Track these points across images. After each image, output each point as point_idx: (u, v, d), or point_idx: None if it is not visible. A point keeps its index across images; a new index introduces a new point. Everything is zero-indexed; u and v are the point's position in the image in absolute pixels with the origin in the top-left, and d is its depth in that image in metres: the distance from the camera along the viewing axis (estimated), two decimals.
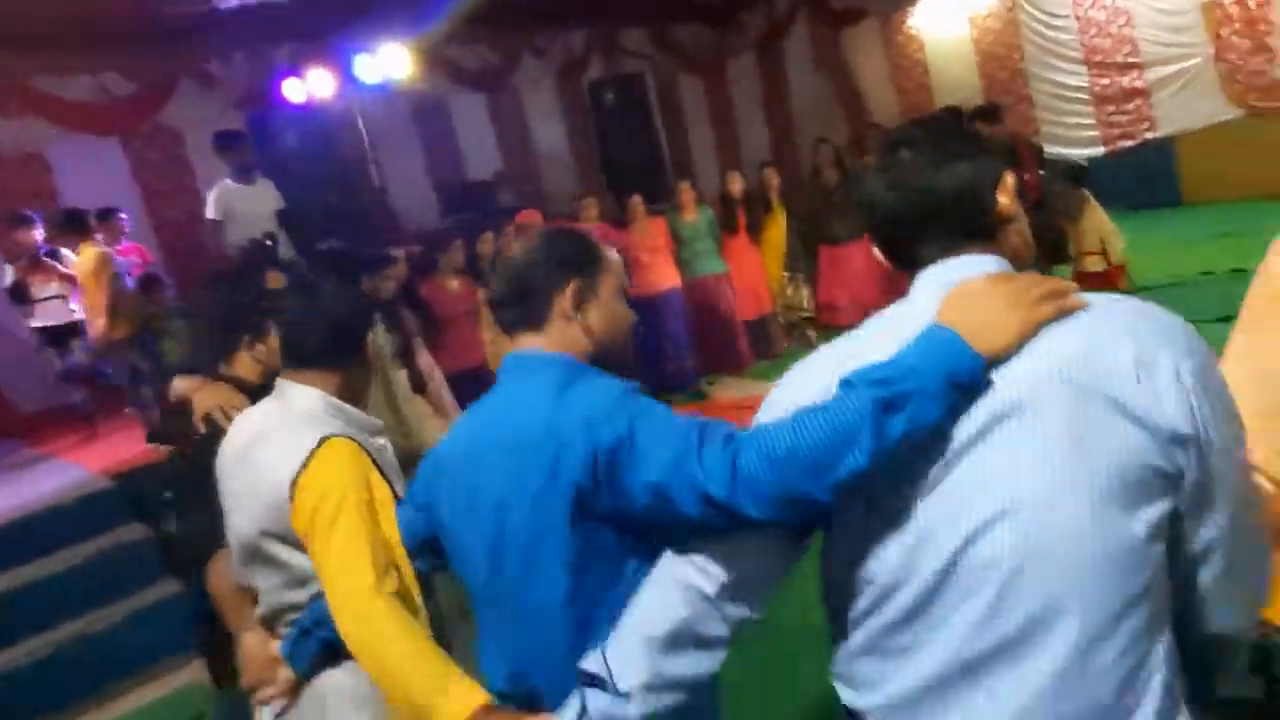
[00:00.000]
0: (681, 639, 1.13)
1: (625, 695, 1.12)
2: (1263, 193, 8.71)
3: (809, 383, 1.10)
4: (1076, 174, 5.89)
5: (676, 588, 1.14)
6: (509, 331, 1.46)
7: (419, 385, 4.72)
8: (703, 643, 1.14)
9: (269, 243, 5.38)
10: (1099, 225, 5.53)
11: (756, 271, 7.21)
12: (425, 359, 5.00)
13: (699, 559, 1.13)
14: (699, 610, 1.12)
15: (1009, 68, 9.88)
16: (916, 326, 1.03)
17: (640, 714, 1.13)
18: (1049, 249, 5.29)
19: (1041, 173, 6.02)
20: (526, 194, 9.32)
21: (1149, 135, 9.07)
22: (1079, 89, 9.30)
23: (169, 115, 7.38)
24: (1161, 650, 1.00)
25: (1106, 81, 9.16)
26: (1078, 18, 9.23)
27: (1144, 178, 8.92)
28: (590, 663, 1.17)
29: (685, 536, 1.15)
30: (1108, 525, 0.95)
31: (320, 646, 1.62)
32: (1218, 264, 6.69)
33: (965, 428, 0.99)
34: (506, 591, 1.37)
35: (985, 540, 0.98)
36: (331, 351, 1.71)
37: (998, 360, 0.99)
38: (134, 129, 7.27)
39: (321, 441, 1.59)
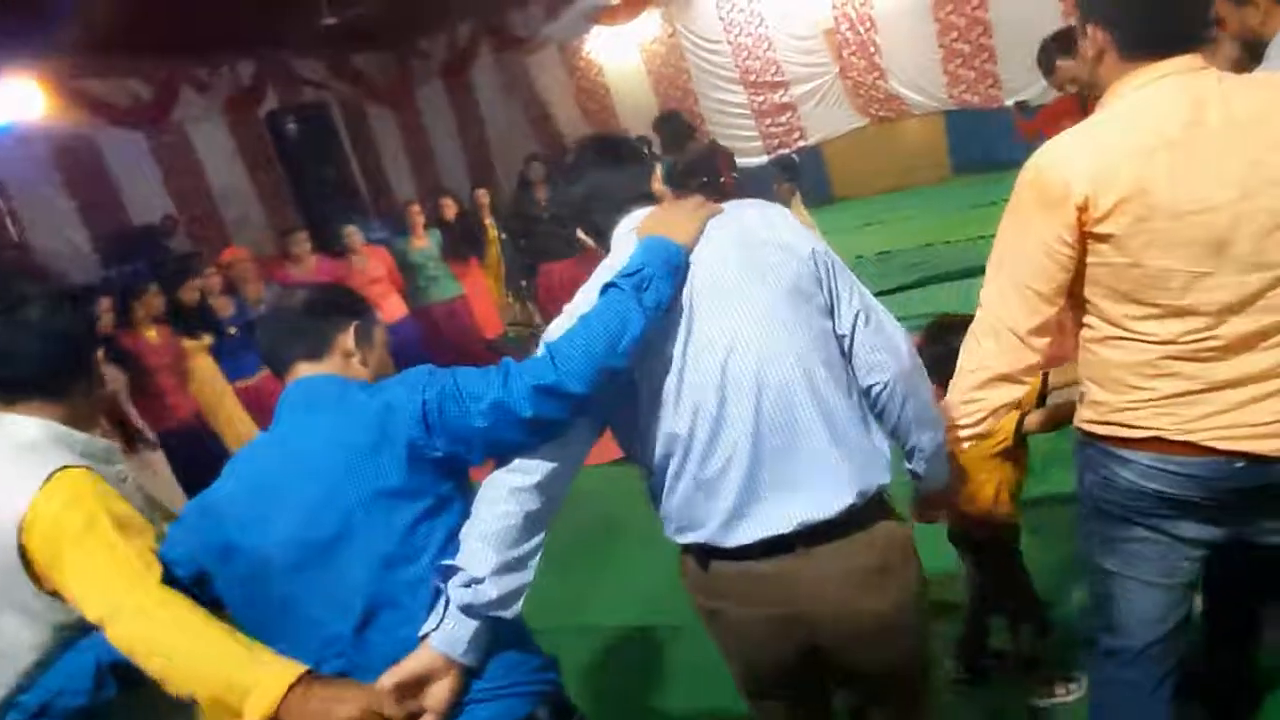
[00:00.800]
0: (514, 527, 1.32)
1: (480, 580, 1.28)
2: (896, 185, 10.36)
3: (582, 301, 1.45)
4: (787, 166, 6.62)
5: (500, 490, 1.34)
6: (281, 368, 1.47)
7: (131, 444, 4.21)
8: (532, 522, 1.35)
9: None
10: (802, 218, 6.22)
11: (486, 292, 7.31)
12: (134, 416, 4.49)
13: (515, 465, 1.36)
14: (522, 499, 1.34)
15: (679, 87, 10.79)
16: (628, 251, 1.43)
17: (498, 593, 1.29)
18: None
19: (735, 175, 6.58)
20: (207, 236, 8.54)
21: (801, 143, 10.36)
22: (740, 105, 10.38)
23: None
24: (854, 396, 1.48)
25: (761, 98, 10.33)
26: (730, 43, 10.32)
27: (802, 181, 10.17)
28: (443, 568, 1.31)
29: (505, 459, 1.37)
30: (799, 314, 1.41)
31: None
32: (867, 249, 7.81)
33: (687, 295, 1.41)
34: (332, 581, 1.33)
35: (732, 363, 1.39)
36: (48, 379, 1.48)
37: (690, 247, 1.43)
38: None
39: (51, 475, 1.36)
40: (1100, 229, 1.40)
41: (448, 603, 1.30)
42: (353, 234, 6.33)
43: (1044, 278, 1.48)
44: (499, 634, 1.35)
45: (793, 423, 1.40)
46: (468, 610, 1.29)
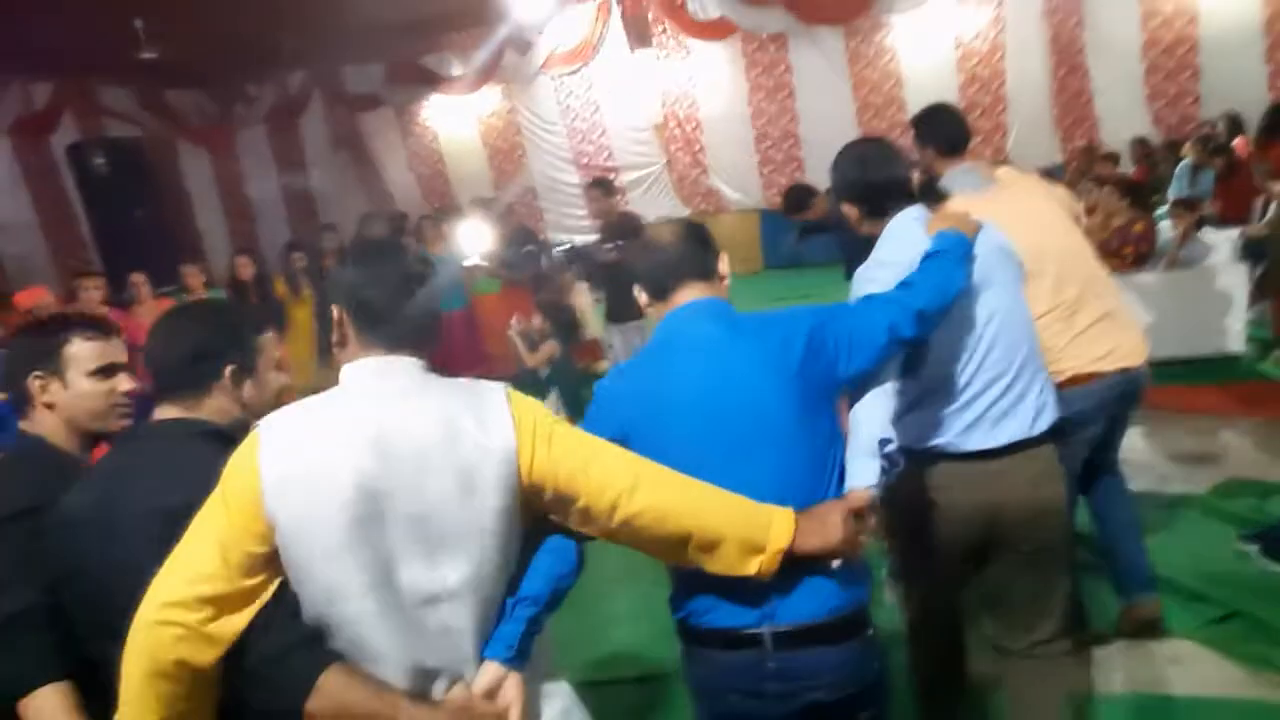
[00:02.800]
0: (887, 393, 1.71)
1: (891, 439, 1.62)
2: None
3: (904, 249, 1.90)
4: (573, 259, 6.77)
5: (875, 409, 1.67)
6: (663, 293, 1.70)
7: None
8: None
9: None
10: (581, 305, 6.43)
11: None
12: None
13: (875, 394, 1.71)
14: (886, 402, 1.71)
15: (514, 162, 11.07)
16: (916, 239, 1.92)
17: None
18: (563, 328, 5.99)
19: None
20: None
21: None
22: (572, 184, 10.79)
23: None
24: None
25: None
26: (566, 126, 10.77)
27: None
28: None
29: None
30: (1023, 299, 2.11)
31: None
32: None
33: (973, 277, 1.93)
34: None
35: (993, 325, 1.97)
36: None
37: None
38: None
39: (508, 395, 1.40)
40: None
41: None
42: (141, 283, 5.81)
43: None
44: None
45: (1018, 371, 2.00)
46: (888, 471, 1.61)
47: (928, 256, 1.82)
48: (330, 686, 1.19)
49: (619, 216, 6.11)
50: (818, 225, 5.89)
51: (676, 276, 1.67)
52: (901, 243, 1.92)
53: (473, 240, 6.32)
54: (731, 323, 1.63)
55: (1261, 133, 6.58)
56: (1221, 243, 5.50)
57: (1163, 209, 6.06)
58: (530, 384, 6.21)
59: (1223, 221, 6.06)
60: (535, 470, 1.28)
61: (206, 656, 1.18)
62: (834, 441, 1.59)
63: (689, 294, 1.66)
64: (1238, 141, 7.18)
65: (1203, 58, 8.64)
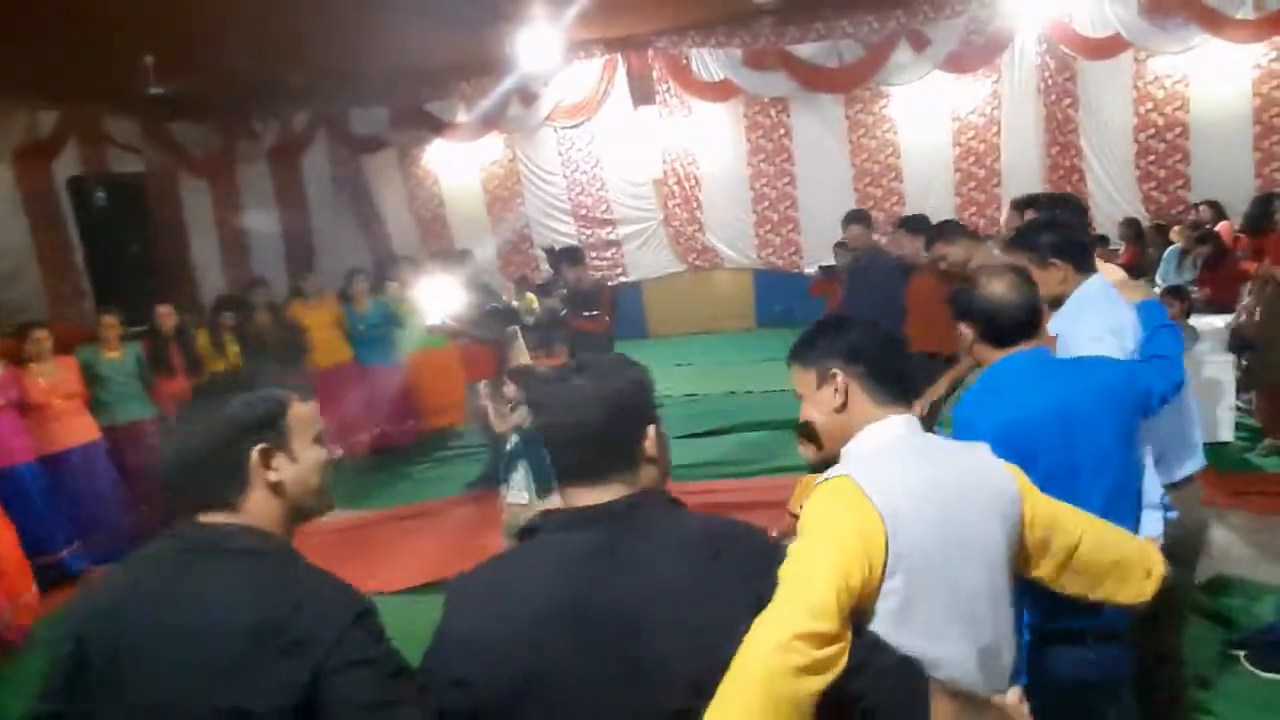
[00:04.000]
0: None
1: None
2: (705, 328, 11.10)
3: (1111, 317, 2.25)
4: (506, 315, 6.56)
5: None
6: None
7: None
8: None
9: None
10: (520, 356, 6.26)
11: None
12: None
13: None
14: None
15: (512, 210, 11.14)
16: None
17: None
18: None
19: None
20: None
21: (623, 279, 10.94)
22: (569, 235, 10.85)
23: None
24: None
25: (589, 232, 10.89)
26: (565, 177, 10.88)
27: (621, 315, 10.67)
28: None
29: None
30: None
31: None
32: (675, 389, 8.27)
33: None
34: None
35: None
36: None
37: None
38: None
39: None
40: None
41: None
42: (43, 339, 5.26)
43: None
44: None
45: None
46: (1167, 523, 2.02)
47: (1159, 328, 2.30)
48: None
49: (590, 284, 6.27)
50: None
51: (1025, 332, 1.92)
52: (1105, 313, 2.22)
53: (443, 293, 6.08)
54: (1069, 366, 2.01)
55: (1248, 221, 6.71)
56: (1209, 329, 5.56)
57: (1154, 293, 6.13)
58: (486, 449, 5.98)
59: (1210, 307, 6.15)
60: (1033, 512, 1.48)
61: (815, 689, 1.19)
62: (1139, 478, 2.00)
63: (1029, 344, 1.92)
64: (1222, 226, 7.31)
65: (1193, 143, 8.84)
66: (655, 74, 10.30)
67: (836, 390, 1.47)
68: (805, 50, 9.71)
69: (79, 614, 1.32)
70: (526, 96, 10.39)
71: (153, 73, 7.69)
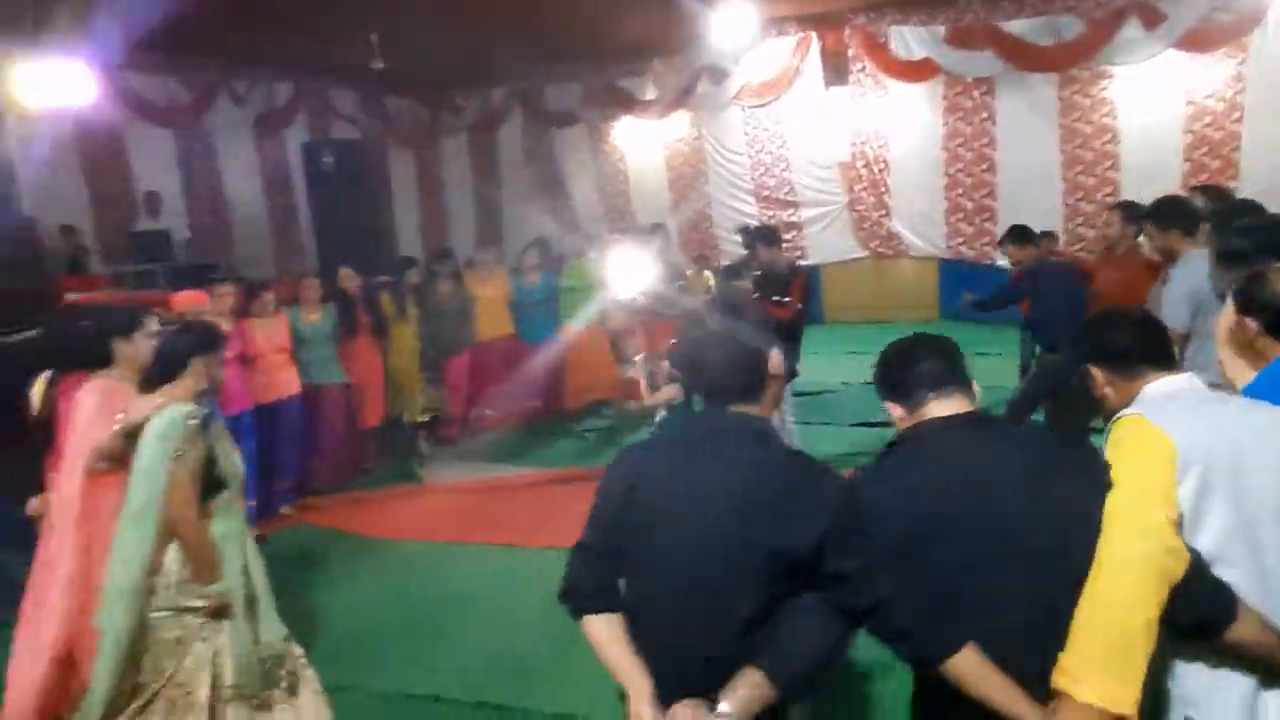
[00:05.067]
0: None
1: None
2: (883, 317, 10.70)
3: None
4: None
5: None
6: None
7: None
8: None
9: None
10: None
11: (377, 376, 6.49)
12: None
13: None
14: None
15: (695, 189, 11.18)
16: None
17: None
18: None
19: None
20: (211, 244, 8.59)
21: (802, 262, 10.70)
22: (751, 215, 10.76)
23: None
24: None
25: (771, 214, 10.73)
26: (750, 157, 10.77)
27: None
28: None
29: None
30: None
31: None
32: (851, 376, 8.03)
33: None
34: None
35: None
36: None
37: None
38: None
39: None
40: None
41: None
42: (268, 301, 5.74)
43: None
44: None
45: None
46: None
47: None
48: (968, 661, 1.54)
49: (785, 266, 5.82)
50: (999, 301, 5.61)
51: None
52: None
53: (635, 267, 6.05)
54: None
55: None
56: None
57: None
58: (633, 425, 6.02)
59: None
60: None
61: (1179, 573, 1.51)
62: None
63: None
64: None
65: None
66: (850, 52, 9.96)
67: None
68: (1017, 26, 9.06)
69: (635, 465, 1.80)
70: (716, 74, 10.36)
71: (376, 49, 8.32)
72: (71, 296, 5.62)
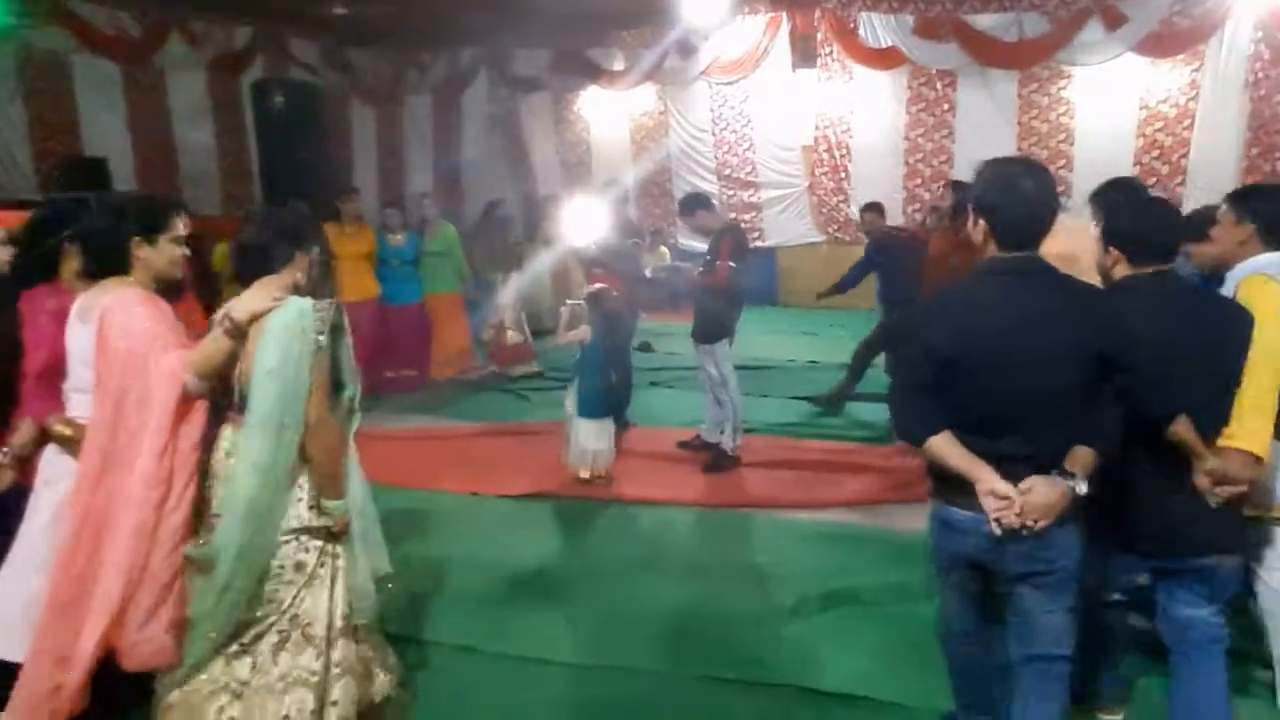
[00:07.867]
0: None
1: None
2: (836, 303, 10.75)
3: None
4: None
5: None
6: None
7: None
8: None
9: None
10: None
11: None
12: None
13: None
14: None
15: (657, 163, 11.13)
16: None
17: None
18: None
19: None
20: (158, 181, 8.36)
21: (759, 244, 10.72)
22: (711, 194, 10.72)
23: None
24: None
25: (732, 193, 10.74)
26: (714, 135, 10.76)
27: (753, 279, 10.50)
28: None
29: None
30: None
31: None
32: (799, 355, 8.10)
33: None
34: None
35: None
36: None
37: None
38: None
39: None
40: None
41: None
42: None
43: None
44: None
45: None
46: None
47: None
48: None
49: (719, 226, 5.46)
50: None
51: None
52: None
53: (587, 221, 6.04)
54: None
55: None
56: None
57: None
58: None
59: None
60: None
61: None
62: None
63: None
64: None
65: None
66: (820, 36, 9.98)
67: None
68: (983, 21, 9.16)
69: (949, 311, 2.09)
70: (685, 49, 10.31)
71: None
72: None
